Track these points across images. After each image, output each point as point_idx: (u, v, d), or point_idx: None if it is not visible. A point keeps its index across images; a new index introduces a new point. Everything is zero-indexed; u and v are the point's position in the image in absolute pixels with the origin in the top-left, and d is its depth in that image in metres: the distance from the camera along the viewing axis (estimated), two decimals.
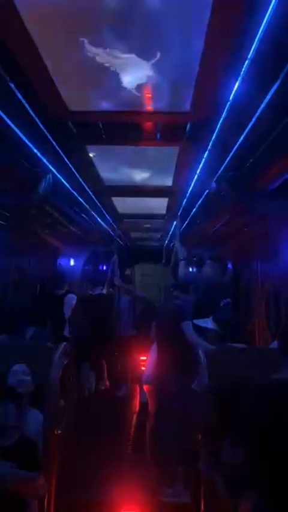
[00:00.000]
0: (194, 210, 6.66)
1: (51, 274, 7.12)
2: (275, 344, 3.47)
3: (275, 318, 5.28)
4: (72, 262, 8.47)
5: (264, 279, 5.72)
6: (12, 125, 3.16)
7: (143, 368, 6.13)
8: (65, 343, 3.43)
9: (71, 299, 6.02)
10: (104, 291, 6.61)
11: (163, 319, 4.41)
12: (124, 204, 7.30)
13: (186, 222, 7.43)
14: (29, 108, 3.05)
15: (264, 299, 5.59)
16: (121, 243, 10.59)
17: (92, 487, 3.46)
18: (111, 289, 6.61)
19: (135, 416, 5.52)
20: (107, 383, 6.07)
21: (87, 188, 5.67)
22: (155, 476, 3.65)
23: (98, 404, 5.34)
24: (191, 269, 5.87)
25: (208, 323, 3.80)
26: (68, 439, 3.17)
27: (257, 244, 5.93)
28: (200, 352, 3.28)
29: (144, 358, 6.14)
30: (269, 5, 2.30)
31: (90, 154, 4.45)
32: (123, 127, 3.72)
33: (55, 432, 2.94)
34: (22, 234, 5.96)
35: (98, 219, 7.55)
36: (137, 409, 5.68)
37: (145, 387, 5.68)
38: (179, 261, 5.96)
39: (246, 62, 2.73)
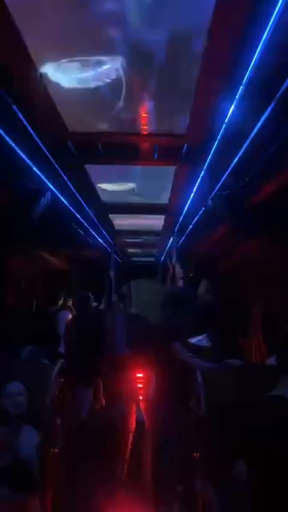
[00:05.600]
0: (191, 227, 6.76)
1: (46, 291, 7.14)
2: (272, 360, 3.49)
3: (271, 334, 5.30)
4: (68, 278, 8.49)
5: (260, 296, 5.77)
6: (13, 145, 3.24)
7: (140, 385, 6.10)
8: (61, 360, 3.43)
9: (65, 315, 6.03)
10: (101, 307, 6.63)
11: (155, 339, 4.42)
12: (121, 221, 7.39)
13: (182, 239, 7.51)
14: (30, 129, 3.14)
15: (261, 316, 5.62)
16: (117, 258, 10.63)
17: (88, 507, 3.42)
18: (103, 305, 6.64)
19: (131, 435, 5.46)
20: (103, 401, 6.02)
21: (85, 205, 5.75)
22: (152, 495, 3.61)
23: (94, 423, 5.29)
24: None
25: (203, 341, 3.81)
26: (64, 457, 3.14)
27: (253, 261, 6.00)
28: (195, 370, 3.29)
29: (141, 375, 6.12)
30: (263, 33, 2.40)
31: (89, 173, 4.53)
32: (121, 147, 3.82)
33: (52, 451, 2.92)
34: (18, 250, 6.00)
35: (95, 235, 7.62)
36: (133, 427, 5.63)
37: (142, 405, 5.65)
38: (175, 278, 6.00)
39: (241, 87, 2.84)
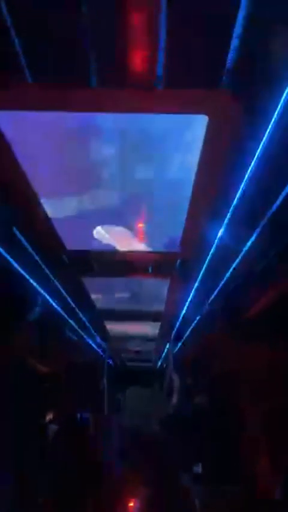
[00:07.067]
0: (187, 334, 6.69)
1: (34, 402, 6.74)
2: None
3: (274, 455, 4.90)
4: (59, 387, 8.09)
5: (263, 408, 5.46)
6: (13, 262, 3.38)
7: None
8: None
9: (53, 431, 5.63)
10: (90, 422, 6.22)
11: (153, 461, 4.12)
12: (116, 326, 7.32)
13: (179, 346, 7.38)
14: (29, 248, 3.30)
15: (264, 433, 5.25)
16: (112, 363, 10.31)
17: None
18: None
19: None
20: None
21: (79, 313, 5.77)
22: None
23: None
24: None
25: (200, 468, 3.56)
26: None
27: (249, 370, 5.81)
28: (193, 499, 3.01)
29: (132, 503, 5.50)
30: (252, 160, 2.59)
31: (85, 284, 4.64)
32: (116, 264, 3.97)
33: None
34: (8, 358, 5.82)
35: (89, 341, 7.50)
36: None
37: None
38: (173, 388, 5.76)
39: (228, 215, 3.06)
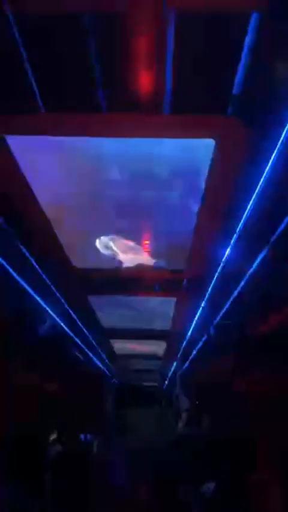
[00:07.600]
0: (194, 353, 6.62)
1: (39, 420, 6.66)
2: None
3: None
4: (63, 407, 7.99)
5: (274, 434, 5.34)
6: (22, 282, 3.41)
7: None
8: None
9: (54, 451, 5.53)
10: (95, 445, 6.11)
11: (159, 481, 4.02)
12: (122, 345, 7.27)
13: (186, 365, 7.29)
14: (37, 267, 3.33)
15: (271, 456, 5.12)
16: (117, 383, 10.21)
17: None
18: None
19: None
20: None
21: (85, 331, 5.74)
22: None
23: None
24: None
25: (211, 487, 3.47)
26: None
27: (258, 391, 5.70)
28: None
29: None
30: (258, 183, 2.60)
31: (91, 302, 4.64)
32: (123, 281, 3.97)
33: None
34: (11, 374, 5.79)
35: (95, 359, 7.44)
36: None
37: None
38: (180, 408, 5.68)
39: (235, 235, 3.06)
